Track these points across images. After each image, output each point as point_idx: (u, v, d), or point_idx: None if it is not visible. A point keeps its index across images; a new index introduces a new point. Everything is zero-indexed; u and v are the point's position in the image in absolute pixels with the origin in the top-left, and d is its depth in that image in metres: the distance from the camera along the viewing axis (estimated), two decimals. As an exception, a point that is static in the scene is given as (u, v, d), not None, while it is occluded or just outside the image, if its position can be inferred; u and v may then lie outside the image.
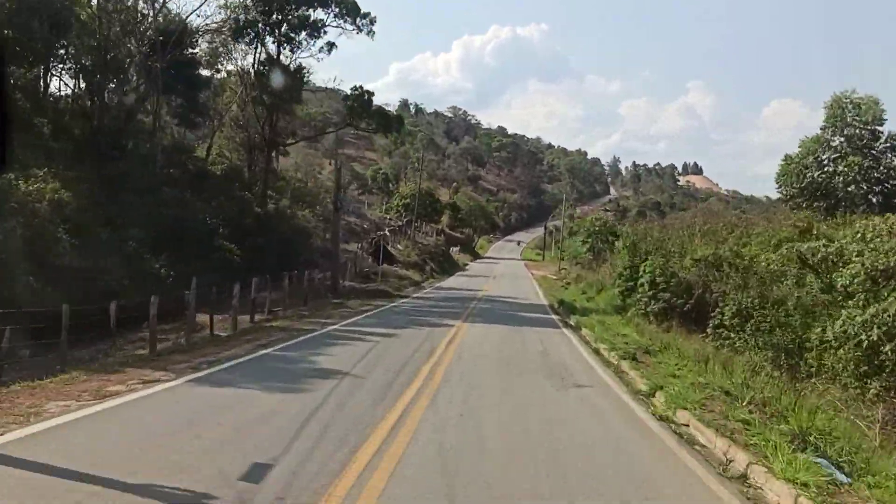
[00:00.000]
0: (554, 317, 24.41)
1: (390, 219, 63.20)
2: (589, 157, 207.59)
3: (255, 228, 28.57)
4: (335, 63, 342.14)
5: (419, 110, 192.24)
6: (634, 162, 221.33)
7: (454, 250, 72.51)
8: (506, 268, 64.18)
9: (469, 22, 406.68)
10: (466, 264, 66.43)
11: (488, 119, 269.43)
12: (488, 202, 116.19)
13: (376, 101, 34.44)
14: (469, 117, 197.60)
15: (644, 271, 22.31)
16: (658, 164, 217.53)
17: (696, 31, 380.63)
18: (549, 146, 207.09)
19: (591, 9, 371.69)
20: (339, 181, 28.91)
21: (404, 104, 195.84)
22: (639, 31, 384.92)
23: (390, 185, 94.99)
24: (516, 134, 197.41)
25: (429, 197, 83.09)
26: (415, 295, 30.91)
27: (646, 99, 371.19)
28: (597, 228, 44.81)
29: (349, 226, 47.35)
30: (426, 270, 45.11)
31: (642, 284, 22.37)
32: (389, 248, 45.54)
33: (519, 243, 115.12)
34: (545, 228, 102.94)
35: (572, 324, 22.34)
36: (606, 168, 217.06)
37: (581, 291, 36.86)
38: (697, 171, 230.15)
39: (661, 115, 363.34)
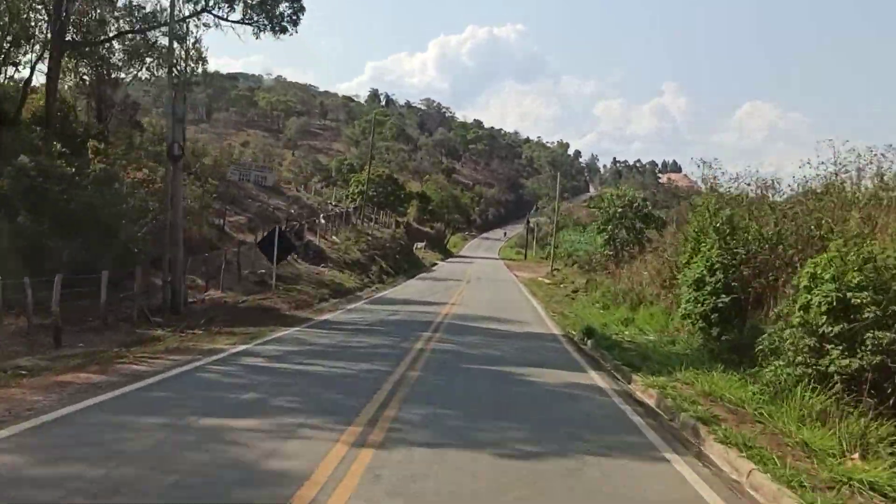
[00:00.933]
0: (594, 376, 11.27)
1: (336, 204, 49.95)
2: (569, 151, 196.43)
3: (18, 197, 15.18)
4: (311, 64, 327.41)
5: (390, 101, 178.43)
6: (615, 159, 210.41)
7: (419, 246, 59.45)
8: (483, 269, 51.51)
9: (446, 22, 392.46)
10: (434, 264, 53.70)
11: (464, 115, 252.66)
12: (463, 192, 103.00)
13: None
14: (444, 110, 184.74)
15: (819, 279, 9.39)
16: (639, 160, 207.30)
17: (672, 32, 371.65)
18: (527, 140, 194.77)
19: (567, 9, 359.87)
20: (175, 108, 15.42)
21: (374, 94, 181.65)
22: (615, 32, 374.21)
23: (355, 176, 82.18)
24: (493, 127, 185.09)
25: (392, 183, 70.10)
26: (326, 317, 17.69)
27: (620, 100, 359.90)
28: (619, 211, 31.36)
29: (264, 209, 33.83)
30: (371, 272, 31.88)
31: (806, 308, 9.45)
32: (319, 240, 32.30)
33: (505, 234, 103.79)
34: (527, 223, 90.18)
35: (655, 407, 9.26)
36: (584, 164, 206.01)
37: (601, 305, 24.01)
38: (676, 169, 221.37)
39: (635, 115, 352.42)
